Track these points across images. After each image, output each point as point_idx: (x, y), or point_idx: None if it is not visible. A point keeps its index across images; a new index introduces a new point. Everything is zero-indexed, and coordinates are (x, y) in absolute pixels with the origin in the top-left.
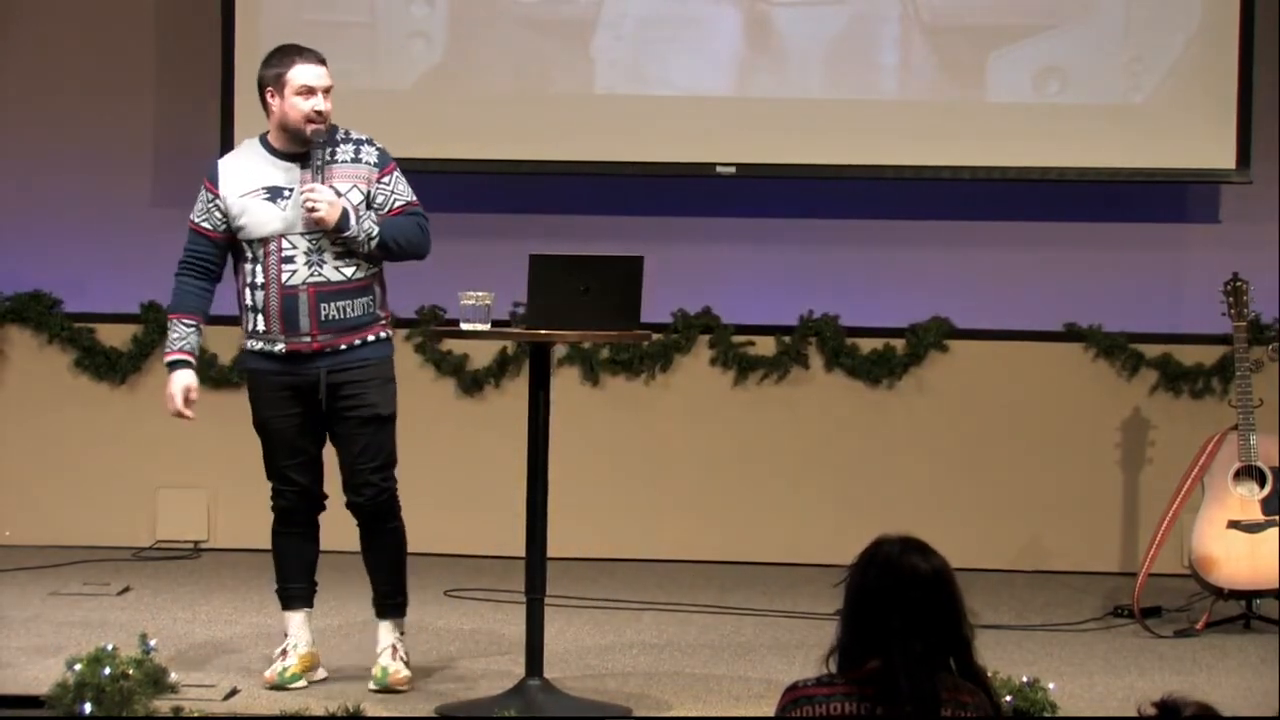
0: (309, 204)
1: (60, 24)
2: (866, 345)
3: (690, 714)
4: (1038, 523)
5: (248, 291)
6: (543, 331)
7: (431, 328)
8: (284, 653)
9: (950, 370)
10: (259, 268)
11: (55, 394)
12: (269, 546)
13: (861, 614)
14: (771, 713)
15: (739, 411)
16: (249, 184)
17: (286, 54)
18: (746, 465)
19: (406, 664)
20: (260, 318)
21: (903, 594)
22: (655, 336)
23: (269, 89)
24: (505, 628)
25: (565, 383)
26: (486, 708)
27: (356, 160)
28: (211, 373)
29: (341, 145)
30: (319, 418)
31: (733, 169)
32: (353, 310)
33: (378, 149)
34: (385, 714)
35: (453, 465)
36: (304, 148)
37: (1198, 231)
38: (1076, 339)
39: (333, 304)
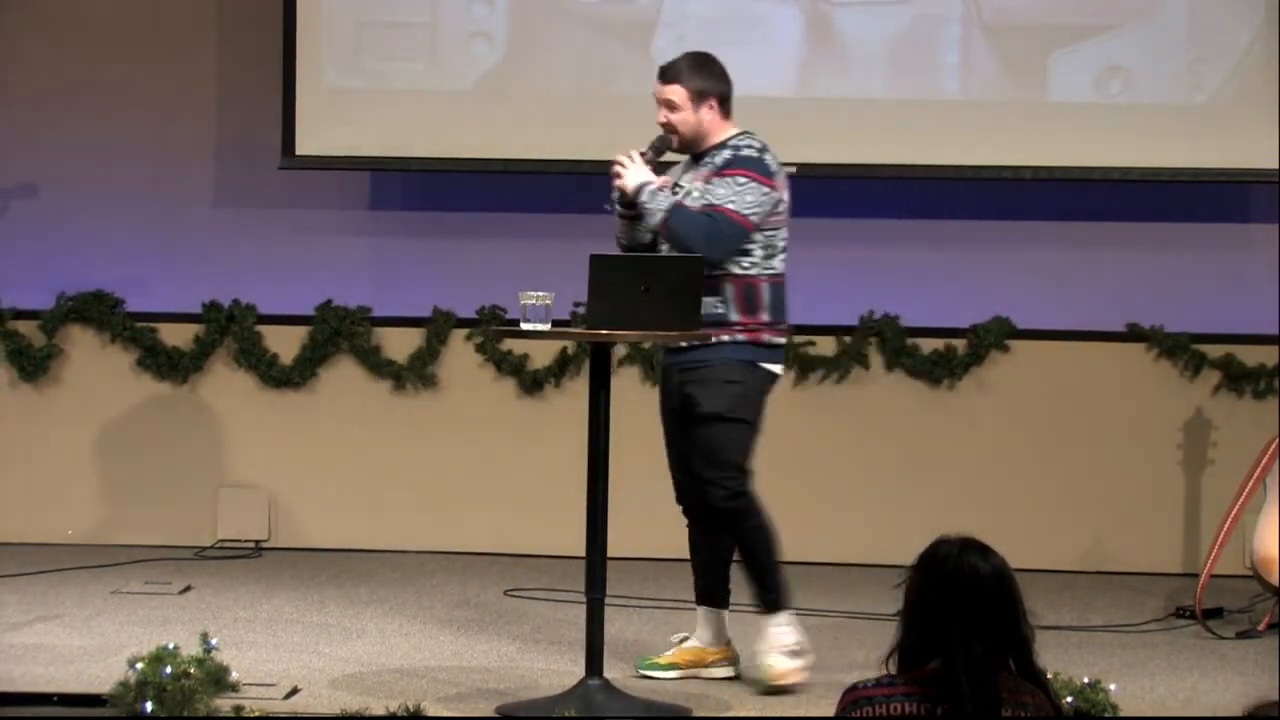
0: (615, 169)
1: (122, 24)
2: (927, 345)
3: (750, 714)
4: (1099, 524)
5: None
6: (603, 331)
7: (492, 328)
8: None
9: (1012, 370)
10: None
11: (117, 394)
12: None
13: (921, 615)
14: (832, 713)
15: (799, 411)
16: None
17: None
18: (806, 465)
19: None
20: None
21: (962, 594)
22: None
23: None
24: (565, 627)
25: (625, 383)
26: (546, 707)
27: (711, 164)
28: (272, 372)
29: (719, 152)
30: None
31: (794, 169)
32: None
33: (733, 153)
34: (447, 713)
35: (513, 465)
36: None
37: (1260, 231)
38: (1138, 339)
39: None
